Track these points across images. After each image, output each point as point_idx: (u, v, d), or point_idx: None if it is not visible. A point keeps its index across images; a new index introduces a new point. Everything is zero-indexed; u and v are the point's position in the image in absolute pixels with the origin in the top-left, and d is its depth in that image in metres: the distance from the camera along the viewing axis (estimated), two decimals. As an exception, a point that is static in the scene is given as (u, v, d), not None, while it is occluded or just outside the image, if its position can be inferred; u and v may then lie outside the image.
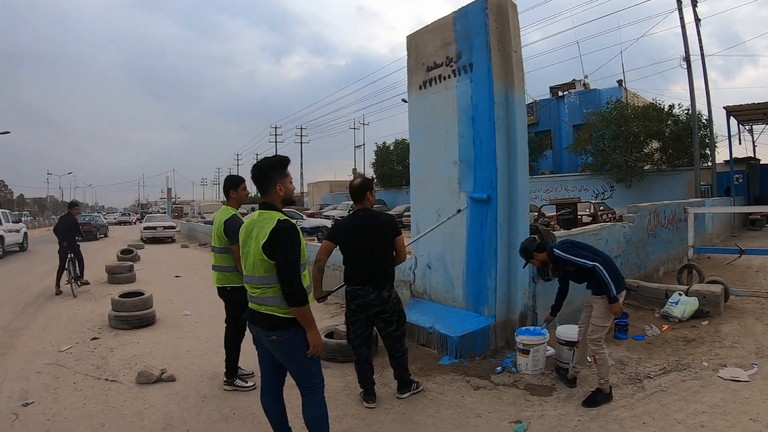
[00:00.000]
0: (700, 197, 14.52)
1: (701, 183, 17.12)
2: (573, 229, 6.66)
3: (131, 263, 11.45)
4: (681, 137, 20.79)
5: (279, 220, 2.47)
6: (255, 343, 2.79)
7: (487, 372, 4.37)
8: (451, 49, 5.51)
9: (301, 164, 52.81)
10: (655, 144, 22.69)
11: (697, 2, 15.74)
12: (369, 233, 3.68)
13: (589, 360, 4.06)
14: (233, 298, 4.09)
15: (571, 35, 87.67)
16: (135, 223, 45.26)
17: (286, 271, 2.44)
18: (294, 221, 2.55)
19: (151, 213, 35.08)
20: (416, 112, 6.12)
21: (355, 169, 51.28)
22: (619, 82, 33.72)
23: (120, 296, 6.58)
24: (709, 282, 6.37)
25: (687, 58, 15.43)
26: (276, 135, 55.99)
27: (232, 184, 4.29)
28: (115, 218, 50.17)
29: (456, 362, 4.62)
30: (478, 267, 5.19)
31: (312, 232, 17.80)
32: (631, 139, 21.65)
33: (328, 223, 19.15)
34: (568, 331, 4.51)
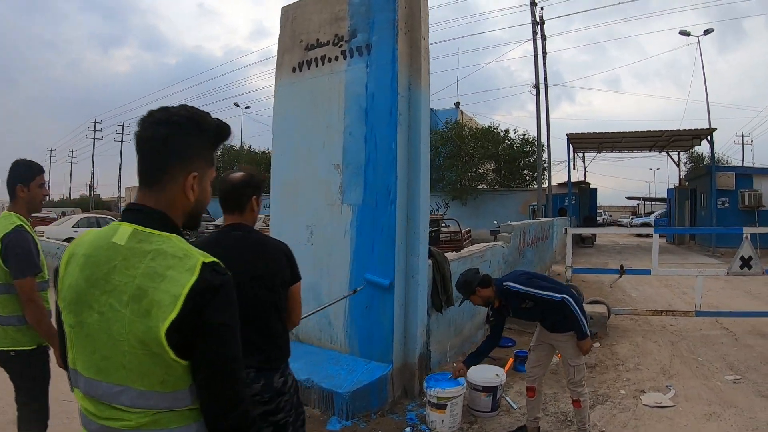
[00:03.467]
0: (544, 217, 15.59)
1: (533, 203, 18.59)
2: (462, 251, 6.02)
3: None
4: (515, 159, 22.60)
5: (204, 264, 1.05)
6: None
7: (393, 437, 3.34)
8: (342, 26, 4.43)
9: (120, 166, 45.98)
10: (489, 165, 24.36)
11: (546, 37, 17.29)
12: (252, 268, 1.90)
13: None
14: (23, 367, 2.38)
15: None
16: None
17: (224, 382, 1.06)
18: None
19: None
20: (286, 100, 4.88)
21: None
22: (456, 104, 36.24)
23: None
24: (590, 302, 6.20)
25: (537, 86, 16.80)
26: (95, 131, 48.50)
27: (23, 174, 2.47)
28: None
29: (348, 425, 3.50)
30: (367, 300, 4.14)
31: None
32: (466, 159, 22.86)
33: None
34: (485, 374, 3.76)
